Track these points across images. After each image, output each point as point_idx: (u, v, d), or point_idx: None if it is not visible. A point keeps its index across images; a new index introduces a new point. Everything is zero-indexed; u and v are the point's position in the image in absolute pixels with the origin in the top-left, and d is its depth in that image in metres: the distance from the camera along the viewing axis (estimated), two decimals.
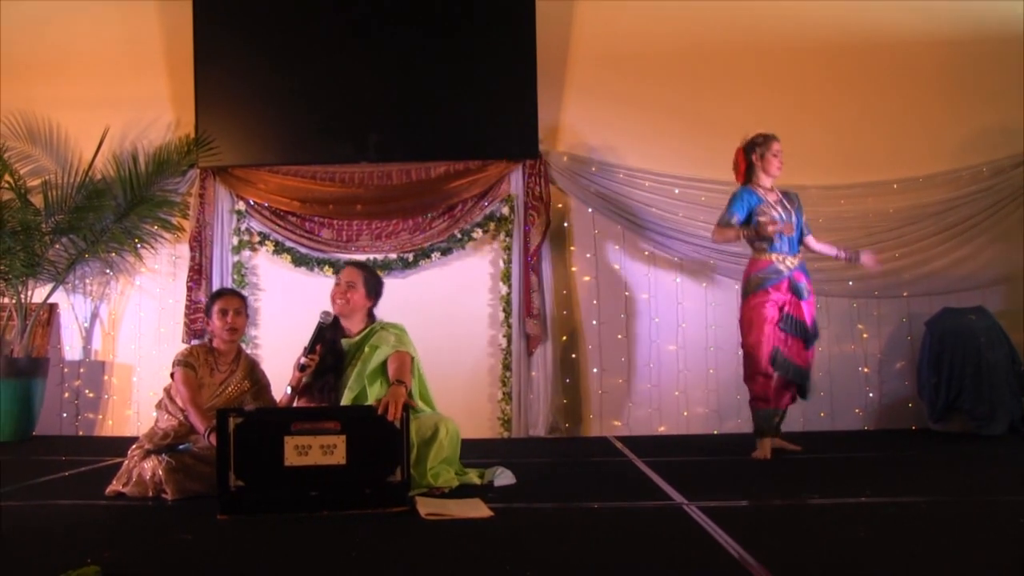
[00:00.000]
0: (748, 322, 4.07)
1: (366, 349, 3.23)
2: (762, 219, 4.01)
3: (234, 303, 3.34)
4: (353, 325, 3.32)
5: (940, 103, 5.47)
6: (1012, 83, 5.41)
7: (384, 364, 3.16)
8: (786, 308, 4.03)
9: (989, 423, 4.72)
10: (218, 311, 3.30)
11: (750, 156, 4.15)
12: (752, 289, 4.07)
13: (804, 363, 4.08)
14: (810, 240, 4.27)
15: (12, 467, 3.86)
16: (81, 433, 5.48)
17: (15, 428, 4.99)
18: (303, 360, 3.16)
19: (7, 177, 5.26)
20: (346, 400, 3.18)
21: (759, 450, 4.02)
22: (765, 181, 4.14)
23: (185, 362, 3.21)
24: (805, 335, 4.05)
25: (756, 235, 4.04)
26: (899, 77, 5.49)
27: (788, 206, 4.13)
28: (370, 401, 3.09)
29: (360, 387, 3.19)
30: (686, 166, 5.40)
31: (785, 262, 4.06)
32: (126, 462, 3.16)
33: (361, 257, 5.36)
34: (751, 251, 4.16)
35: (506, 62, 5.35)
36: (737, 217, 4.07)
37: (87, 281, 5.58)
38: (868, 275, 5.33)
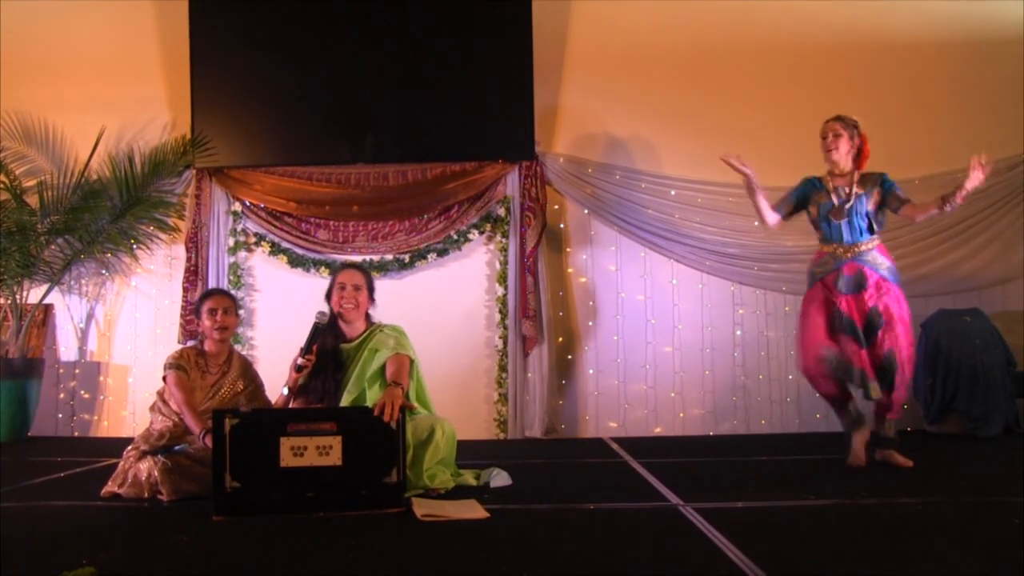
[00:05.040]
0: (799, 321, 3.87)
1: (365, 352, 3.22)
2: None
3: (223, 302, 3.32)
4: (354, 329, 3.31)
5: (937, 104, 5.49)
6: (1010, 84, 5.43)
7: (383, 367, 3.15)
8: (841, 305, 3.66)
9: (984, 424, 4.74)
10: (207, 311, 3.28)
11: None
12: (808, 286, 3.85)
13: (859, 363, 3.60)
14: (908, 211, 3.72)
15: (8, 468, 3.85)
16: (77, 434, 5.46)
17: (10, 429, 4.98)
18: (300, 361, 3.15)
19: (2, 177, 5.25)
20: (345, 403, 3.18)
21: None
22: (829, 166, 3.85)
23: (176, 365, 3.20)
24: (855, 333, 3.63)
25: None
26: (896, 78, 5.50)
27: (849, 191, 3.73)
28: (369, 404, 3.09)
29: (359, 390, 3.19)
30: (683, 168, 5.41)
31: (836, 253, 3.74)
32: (122, 463, 3.15)
33: (357, 258, 5.37)
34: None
35: (502, 63, 5.35)
36: (787, 205, 3.92)
37: (83, 282, 5.57)
38: None
